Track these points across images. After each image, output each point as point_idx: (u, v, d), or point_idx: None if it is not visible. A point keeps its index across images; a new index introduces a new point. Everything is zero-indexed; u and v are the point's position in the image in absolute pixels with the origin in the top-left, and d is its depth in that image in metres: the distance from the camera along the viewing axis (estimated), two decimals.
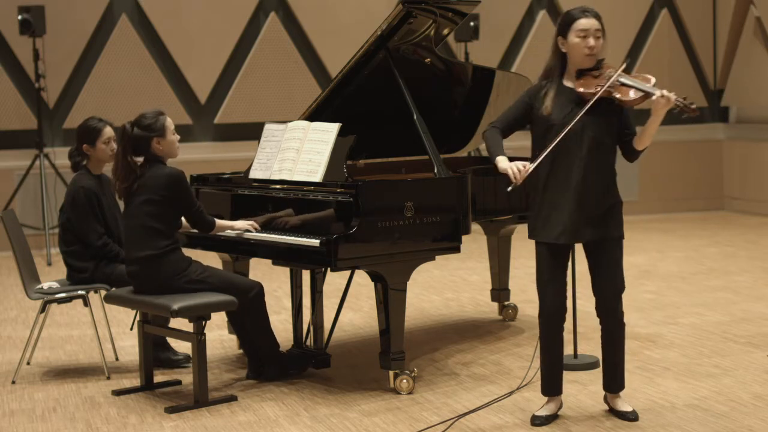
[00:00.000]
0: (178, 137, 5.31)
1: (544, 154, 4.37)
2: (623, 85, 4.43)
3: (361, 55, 5.63)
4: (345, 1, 11.14)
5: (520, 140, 10.98)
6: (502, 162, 4.43)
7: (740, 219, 11.55)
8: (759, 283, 7.78)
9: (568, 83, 4.50)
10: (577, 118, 4.36)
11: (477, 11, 10.45)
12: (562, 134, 4.35)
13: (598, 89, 4.39)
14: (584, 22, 4.41)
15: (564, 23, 4.46)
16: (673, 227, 10.93)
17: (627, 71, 4.50)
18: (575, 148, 4.41)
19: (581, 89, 4.44)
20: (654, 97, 4.34)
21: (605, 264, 4.53)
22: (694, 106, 4.38)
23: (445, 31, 5.93)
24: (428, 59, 5.99)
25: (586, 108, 4.36)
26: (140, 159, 5.20)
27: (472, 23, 10.90)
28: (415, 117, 5.50)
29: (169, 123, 5.25)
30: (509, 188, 4.37)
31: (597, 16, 4.45)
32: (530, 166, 4.36)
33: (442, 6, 5.64)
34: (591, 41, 4.41)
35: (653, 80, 4.46)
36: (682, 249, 9.52)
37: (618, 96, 4.42)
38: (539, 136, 4.50)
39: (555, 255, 4.51)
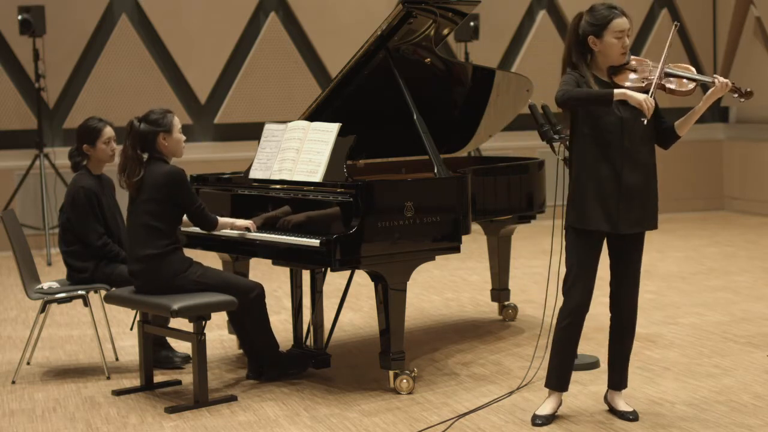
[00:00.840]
0: (185, 137, 5.32)
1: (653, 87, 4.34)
2: (673, 75, 4.44)
3: (361, 55, 5.63)
4: (345, 1, 11.14)
5: (521, 140, 11.05)
6: (628, 91, 4.29)
7: (740, 219, 11.55)
8: (759, 283, 7.78)
9: (602, 78, 4.49)
10: (653, 87, 4.34)
11: (477, 11, 10.45)
12: (652, 89, 4.32)
13: (645, 83, 4.39)
14: (621, 23, 4.42)
15: (597, 24, 4.42)
16: (673, 227, 10.93)
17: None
18: (624, 139, 4.41)
19: (627, 83, 4.42)
20: (715, 84, 4.36)
21: (635, 252, 4.57)
22: (749, 89, 4.42)
23: (445, 31, 5.93)
24: (428, 59, 5.99)
25: (652, 90, 4.33)
26: (144, 156, 5.21)
27: (472, 23, 10.89)
28: (415, 117, 5.50)
29: (177, 122, 5.27)
30: (645, 121, 4.29)
31: (626, 14, 4.48)
32: (651, 101, 4.28)
33: (442, 6, 5.63)
34: (626, 41, 4.45)
35: (693, 69, 4.49)
36: (682, 249, 9.51)
37: (672, 87, 4.43)
38: (583, 122, 4.46)
39: (599, 246, 4.52)
